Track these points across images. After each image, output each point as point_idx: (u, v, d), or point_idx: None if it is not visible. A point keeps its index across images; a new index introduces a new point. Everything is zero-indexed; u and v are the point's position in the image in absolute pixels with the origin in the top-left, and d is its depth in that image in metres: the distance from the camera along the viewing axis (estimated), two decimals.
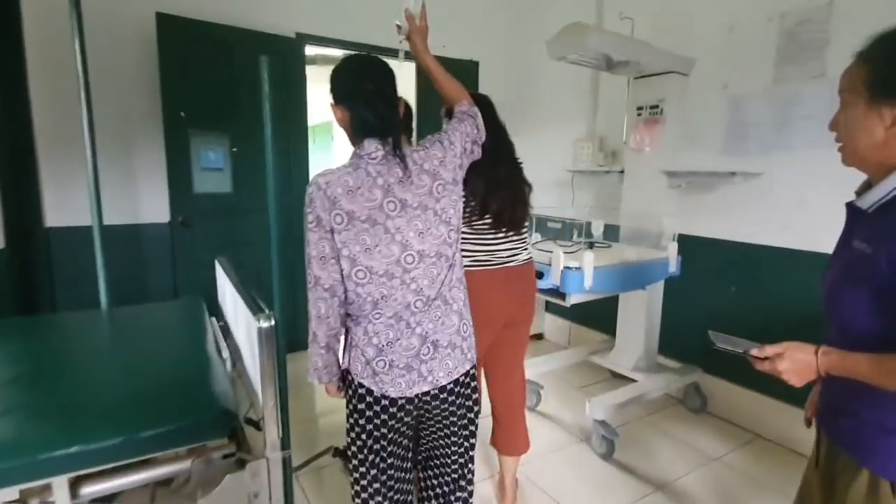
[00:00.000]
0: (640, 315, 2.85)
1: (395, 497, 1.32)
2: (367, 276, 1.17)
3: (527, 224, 1.89)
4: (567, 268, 2.19)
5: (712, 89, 2.71)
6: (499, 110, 1.92)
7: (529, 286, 1.88)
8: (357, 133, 1.19)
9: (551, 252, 2.27)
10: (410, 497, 1.38)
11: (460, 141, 1.28)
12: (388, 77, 1.21)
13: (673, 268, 2.62)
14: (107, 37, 2.83)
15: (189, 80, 2.98)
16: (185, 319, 2.02)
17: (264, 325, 1.30)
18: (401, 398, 1.23)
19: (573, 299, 2.24)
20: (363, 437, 1.26)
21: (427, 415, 1.30)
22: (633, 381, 2.75)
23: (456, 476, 1.38)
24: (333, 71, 1.22)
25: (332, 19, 3.48)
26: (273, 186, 1.52)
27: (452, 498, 1.40)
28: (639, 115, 2.79)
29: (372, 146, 1.17)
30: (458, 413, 1.31)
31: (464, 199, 1.34)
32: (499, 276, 1.78)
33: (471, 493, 1.43)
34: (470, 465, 1.41)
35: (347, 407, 1.29)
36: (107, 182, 2.94)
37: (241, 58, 3.13)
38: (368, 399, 1.24)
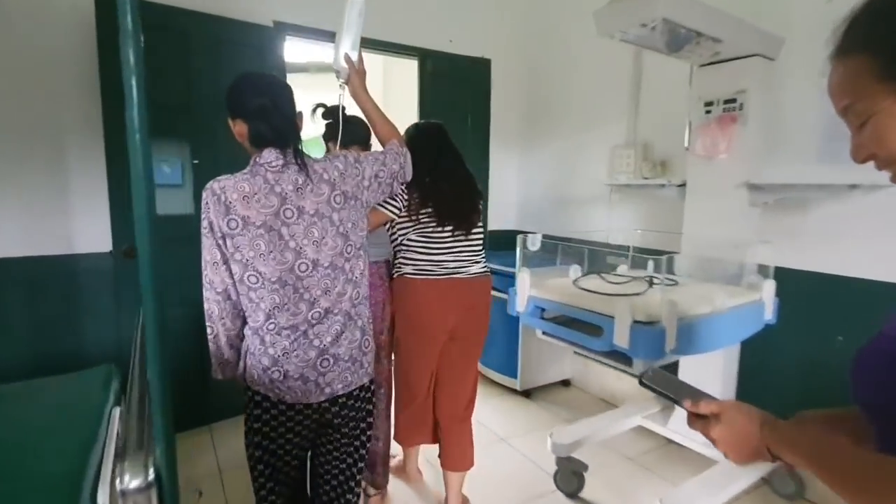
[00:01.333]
0: (712, 370, 2.20)
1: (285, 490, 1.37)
2: (260, 281, 1.20)
3: (478, 232, 1.88)
4: (639, 322, 1.54)
5: (806, 77, 2.08)
6: (513, 115, 2.50)
7: (479, 300, 1.87)
8: (255, 144, 1.24)
9: (599, 293, 1.63)
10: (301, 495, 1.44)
11: (371, 165, 1.36)
12: (283, 92, 1.27)
13: (769, 315, 1.96)
14: (32, 22, 2.25)
15: None
16: (73, 410, 1.37)
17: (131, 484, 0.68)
18: (298, 405, 1.27)
19: (643, 365, 1.60)
20: (262, 442, 1.30)
21: (326, 424, 1.35)
22: (703, 455, 2.08)
23: (337, 483, 1.42)
24: (230, 88, 1.26)
25: (317, 6, 2.89)
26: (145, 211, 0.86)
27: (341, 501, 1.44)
28: (707, 112, 2.16)
29: (271, 155, 1.22)
30: (351, 424, 1.37)
31: (405, 197, 1.64)
32: (442, 287, 1.79)
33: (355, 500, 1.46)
34: (357, 476, 1.44)
35: (245, 412, 1.31)
36: (32, 202, 2.34)
37: (204, 49, 2.54)
38: (265, 405, 1.27)
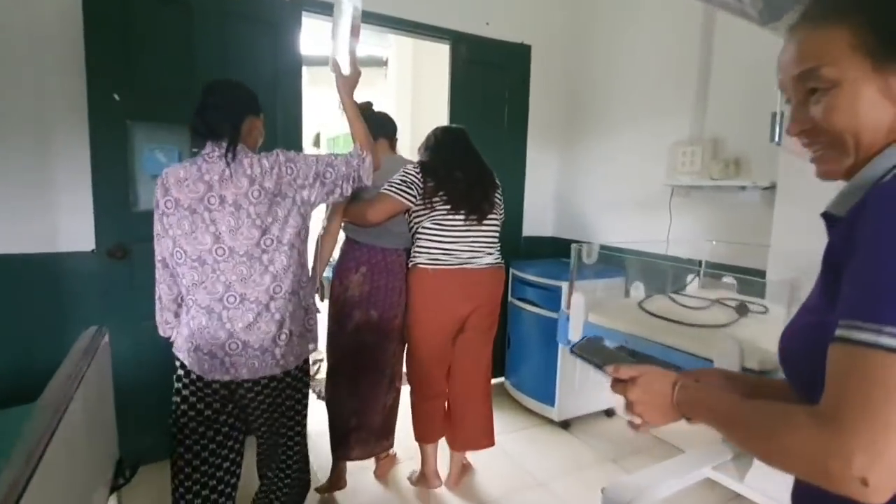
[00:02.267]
0: None
1: (208, 472, 1.44)
2: (184, 257, 1.34)
3: (492, 223, 1.93)
4: (749, 371, 1.13)
5: None
6: (554, 108, 2.40)
7: (491, 291, 1.93)
8: (193, 137, 1.40)
9: (681, 323, 1.22)
10: (228, 477, 1.49)
11: (315, 165, 1.42)
12: (225, 92, 1.42)
13: None
14: None
15: (129, 47, 2.07)
16: None
17: None
18: (206, 378, 1.37)
19: None
20: (180, 408, 1.42)
21: (238, 405, 1.45)
22: None
23: (279, 467, 1.53)
24: None
25: None
26: None
27: (279, 485, 1.54)
28: None
29: (209, 148, 1.36)
30: (265, 411, 1.44)
31: (421, 187, 1.83)
32: (454, 277, 1.85)
33: (293, 485, 1.55)
34: (292, 461, 1.53)
35: (174, 377, 1.45)
36: (2, 195, 2.04)
37: (209, 24, 2.22)
38: (181, 372, 1.42)
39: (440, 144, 1.94)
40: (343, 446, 2.03)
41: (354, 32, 1.52)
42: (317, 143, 8.22)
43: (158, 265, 1.45)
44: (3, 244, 2.05)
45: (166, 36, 2.14)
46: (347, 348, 1.96)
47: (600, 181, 3.15)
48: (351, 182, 1.48)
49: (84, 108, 2.01)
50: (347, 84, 1.55)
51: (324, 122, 7.82)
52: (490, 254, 1.92)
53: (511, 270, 2.96)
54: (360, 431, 2.05)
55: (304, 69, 6.30)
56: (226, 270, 1.33)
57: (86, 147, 2.04)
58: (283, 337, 1.39)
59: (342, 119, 1.79)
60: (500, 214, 2.02)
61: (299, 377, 1.49)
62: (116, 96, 2.05)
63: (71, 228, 2.14)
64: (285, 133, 2.45)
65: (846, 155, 0.58)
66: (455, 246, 1.86)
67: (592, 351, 0.83)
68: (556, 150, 3.46)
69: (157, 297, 1.50)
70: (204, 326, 1.35)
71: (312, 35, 5.22)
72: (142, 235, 2.14)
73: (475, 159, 1.96)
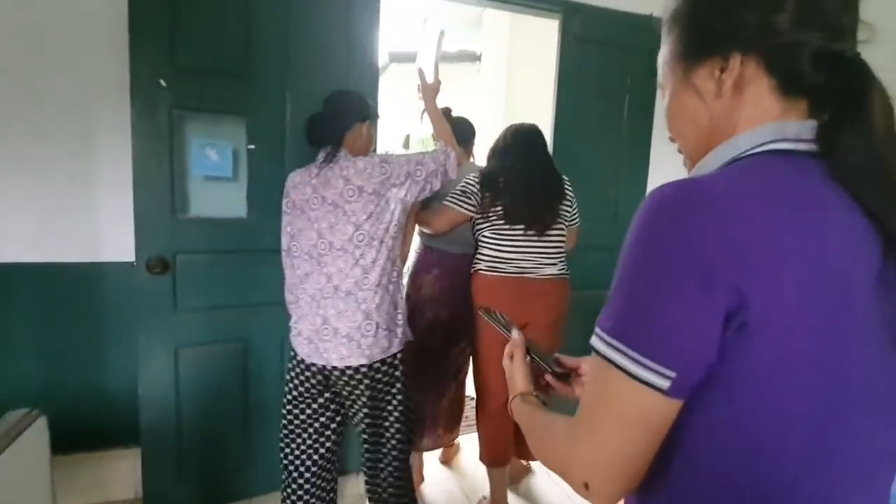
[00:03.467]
0: None
1: (305, 444, 1.57)
2: (299, 251, 1.53)
3: (556, 234, 1.90)
4: None
5: None
6: None
7: (552, 301, 1.89)
8: (310, 143, 1.58)
9: None
10: (323, 451, 1.60)
11: (403, 165, 1.50)
12: (333, 104, 1.59)
13: None
14: None
15: (178, 24, 1.74)
16: None
17: None
18: (307, 361, 1.51)
19: None
20: (286, 387, 1.58)
21: (335, 391, 1.56)
22: None
23: (382, 454, 1.57)
24: None
25: None
26: None
27: (382, 476, 1.58)
28: None
29: (320, 155, 1.53)
30: (358, 398, 1.52)
31: (479, 196, 1.85)
32: (511, 285, 1.85)
33: (396, 471, 1.58)
34: (396, 447, 1.57)
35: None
36: (38, 194, 1.79)
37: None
38: (291, 354, 1.57)
39: (507, 149, 1.92)
40: (415, 436, 2.01)
41: (439, 46, 1.69)
42: (406, 144, 7.94)
43: (283, 255, 1.61)
44: (39, 250, 1.79)
45: (221, 13, 1.79)
46: (418, 345, 1.91)
47: None
48: (438, 176, 1.56)
49: (128, 96, 1.71)
50: (430, 90, 1.70)
51: (415, 121, 7.56)
52: (553, 264, 1.91)
53: None
54: (429, 423, 2.14)
55: (394, 65, 5.93)
56: (328, 263, 1.47)
57: (129, 140, 1.74)
58: (368, 327, 1.47)
59: (422, 124, 1.91)
60: (572, 222, 2.01)
61: (388, 372, 1.53)
62: (163, 82, 1.72)
63: (112, 236, 1.86)
64: None
65: (687, 158, 0.60)
66: (514, 255, 1.87)
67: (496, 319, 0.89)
68: None
69: (287, 287, 1.62)
70: (306, 314, 1.50)
71: (401, 29, 4.69)
72: (188, 246, 1.81)
73: (542, 166, 1.93)
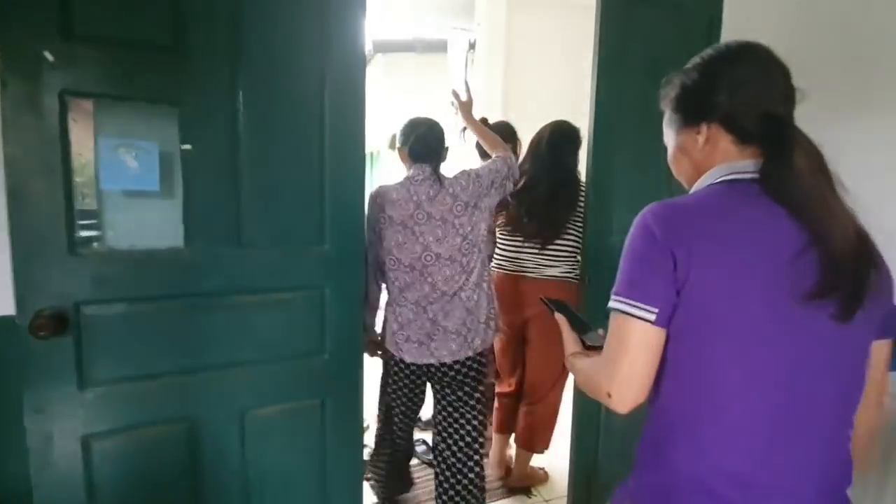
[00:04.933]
0: None
1: (397, 437, 1.93)
2: (397, 264, 1.67)
3: (565, 238, 1.99)
4: None
5: None
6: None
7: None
8: (412, 159, 1.71)
9: None
10: (407, 444, 2.02)
11: (488, 175, 1.70)
12: (437, 130, 1.75)
13: None
14: None
15: None
16: None
17: None
18: (412, 364, 1.72)
19: None
20: (387, 388, 1.85)
21: (437, 384, 1.78)
22: None
23: (463, 443, 1.79)
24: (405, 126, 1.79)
25: None
26: None
27: (461, 465, 1.79)
28: None
29: (415, 171, 1.67)
30: (463, 389, 1.75)
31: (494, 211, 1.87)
32: (511, 283, 2.05)
33: (478, 464, 1.82)
34: (478, 437, 1.80)
35: (382, 373, 1.88)
36: None
37: None
38: (392, 361, 1.77)
39: (536, 153, 2.04)
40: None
41: (467, 62, 2.05)
42: (393, 145, 7.34)
43: (370, 268, 1.70)
44: None
45: None
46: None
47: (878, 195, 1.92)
48: (510, 179, 1.77)
49: None
50: (466, 107, 1.88)
51: (404, 119, 6.90)
52: (556, 266, 1.97)
53: None
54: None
55: (380, 56, 5.35)
56: (433, 273, 1.65)
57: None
58: (472, 322, 1.69)
59: (463, 141, 2.18)
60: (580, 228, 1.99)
61: (483, 362, 1.76)
62: (49, 55, 1.17)
63: None
64: (338, 140, 1.49)
65: (686, 185, 0.91)
66: (515, 254, 2.01)
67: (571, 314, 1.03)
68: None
69: (367, 300, 1.67)
70: (412, 320, 1.69)
71: (385, 13, 4.15)
72: (98, 293, 1.25)
73: (558, 176, 1.98)
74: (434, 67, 5.28)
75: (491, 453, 2.31)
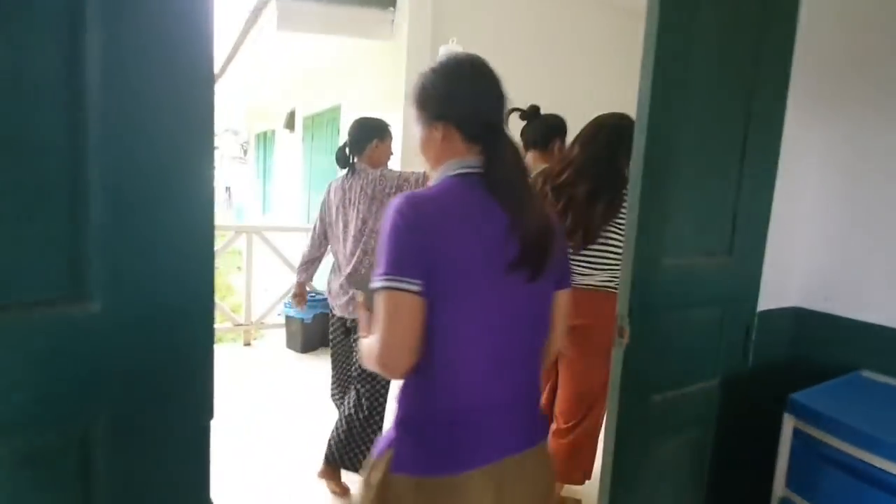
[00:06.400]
0: None
1: (340, 366, 2.31)
2: (332, 235, 2.25)
3: (604, 243, 1.79)
4: None
5: None
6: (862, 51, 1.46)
7: (588, 312, 1.74)
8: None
9: None
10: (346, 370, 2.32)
11: (396, 180, 2.07)
12: (350, 131, 2.20)
13: None
14: None
15: None
16: None
17: None
18: (338, 315, 2.24)
19: None
20: (331, 335, 2.31)
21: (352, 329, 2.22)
22: None
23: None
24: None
25: None
26: None
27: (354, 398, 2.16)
28: None
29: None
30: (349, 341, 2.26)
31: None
32: None
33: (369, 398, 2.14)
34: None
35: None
36: None
37: None
38: (331, 314, 2.29)
39: (583, 147, 1.84)
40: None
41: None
42: (290, 124, 6.13)
43: (316, 234, 2.26)
44: None
45: None
46: None
47: None
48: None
49: None
50: None
51: (304, 93, 5.69)
52: (593, 274, 1.81)
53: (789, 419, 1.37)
54: None
55: (273, 2, 4.13)
56: (346, 245, 2.09)
57: None
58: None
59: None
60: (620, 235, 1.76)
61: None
62: None
63: None
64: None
65: (431, 170, 0.99)
66: None
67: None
68: (847, 131, 1.59)
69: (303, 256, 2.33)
70: (331, 280, 2.18)
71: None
72: None
73: (605, 177, 1.78)
74: (353, 22, 4.16)
75: None
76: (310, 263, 2.30)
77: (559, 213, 1.77)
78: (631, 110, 1.43)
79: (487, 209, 0.86)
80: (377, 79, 4.10)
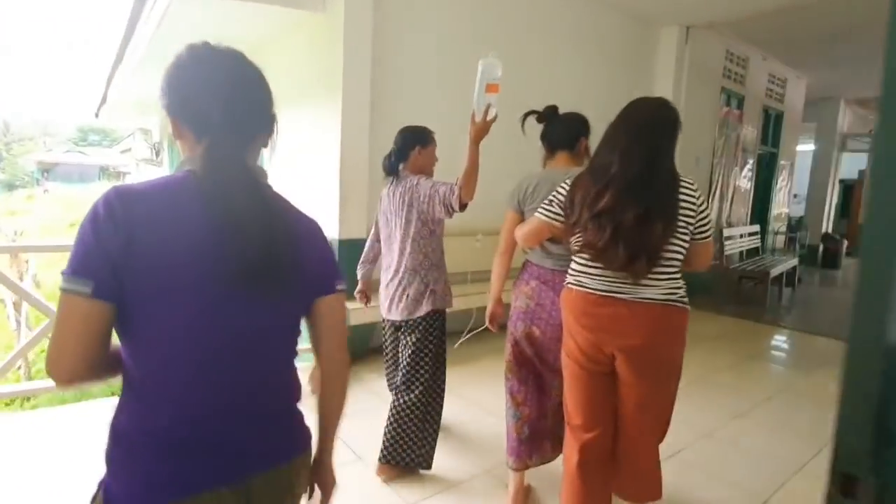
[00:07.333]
0: None
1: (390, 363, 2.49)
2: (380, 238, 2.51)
3: (668, 255, 1.56)
4: None
5: None
6: None
7: (647, 330, 1.57)
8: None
9: None
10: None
11: (428, 188, 2.10)
12: (396, 138, 2.33)
13: None
14: None
15: None
16: None
17: None
18: (385, 317, 2.36)
19: None
20: (382, 332, 2.53)
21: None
22: None
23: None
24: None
25: None
26: None
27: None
28: None
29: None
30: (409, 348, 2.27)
31: (564, 199, 1.76)
32: (595, 304, 1.63)
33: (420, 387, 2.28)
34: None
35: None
36: None
37: None
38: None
39: (612, 143, 1.59)
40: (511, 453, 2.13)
41: (490, 89, 1.76)
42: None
43: (370, 238, 2.50)
44: None
45: None
46: (511, 357, 2.08)
47: None
48: (442, 206, 2.06)
49: None
50: (476, 131, 1.85)
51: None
52: (653, 286, 1.56)
53: None
54: (533, 439, 2.09)
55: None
56: (392, 251, 2.24)
57: None
58: (404, 295, 2.21)
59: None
60: (698, 234, 1.62)
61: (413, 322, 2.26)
62: None
63: None
64: None
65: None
66: (603, 270, 1.59)
67: None
68: None
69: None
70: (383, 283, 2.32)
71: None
72: None
73: (654, 188, 1.54)
74: (259, 14, 3.87)
75: (511, 488, 2.19)
76: (363, 264, 2.52)
77: (607, 242, 1.53)
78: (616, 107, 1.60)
79: (204, 215, 0.80)
80: (308, 61, 3.75)
